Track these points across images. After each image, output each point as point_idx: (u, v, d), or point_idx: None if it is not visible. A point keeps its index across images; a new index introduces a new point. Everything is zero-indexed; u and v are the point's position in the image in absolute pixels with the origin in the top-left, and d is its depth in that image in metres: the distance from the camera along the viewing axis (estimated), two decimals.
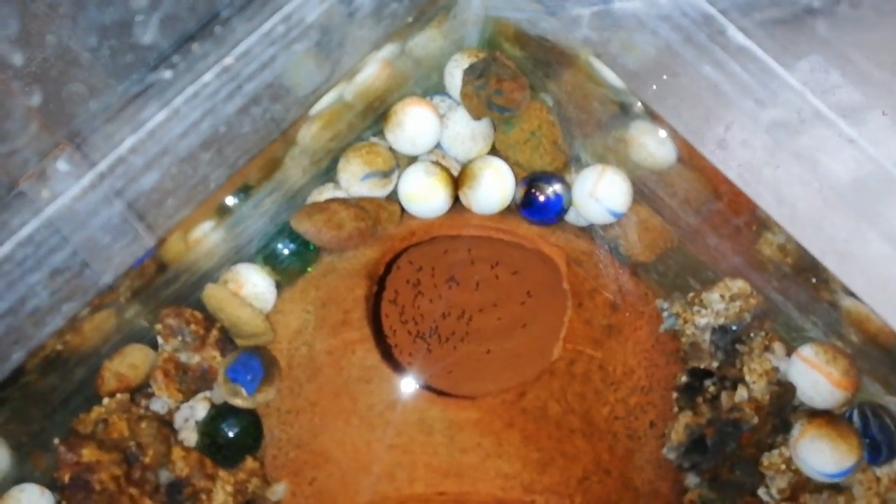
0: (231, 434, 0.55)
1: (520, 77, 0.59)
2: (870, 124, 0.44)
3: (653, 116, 0.54)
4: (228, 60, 0.40)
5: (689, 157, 0.56)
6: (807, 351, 0.57)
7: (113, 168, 0.40)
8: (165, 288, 0.56)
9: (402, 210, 0.62)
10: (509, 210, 0.63)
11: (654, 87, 0.51)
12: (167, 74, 0.37)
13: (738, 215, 0.56)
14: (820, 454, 0.54)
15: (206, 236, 0.55)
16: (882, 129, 0.44)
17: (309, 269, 0.61)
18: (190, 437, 0.56)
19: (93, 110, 0.36)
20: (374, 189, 0.61)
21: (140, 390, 0.57)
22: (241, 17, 0.38)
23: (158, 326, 0.56)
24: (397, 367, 0.64)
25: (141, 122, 0.39)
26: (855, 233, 0.48)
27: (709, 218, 0.58)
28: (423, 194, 0.60)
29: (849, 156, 0.45)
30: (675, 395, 0.57)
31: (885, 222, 0.47)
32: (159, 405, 0.56)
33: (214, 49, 0.38)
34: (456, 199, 0.62)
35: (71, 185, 0.39)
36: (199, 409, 0.57)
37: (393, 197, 0.63)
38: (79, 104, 0.35)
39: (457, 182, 0.62)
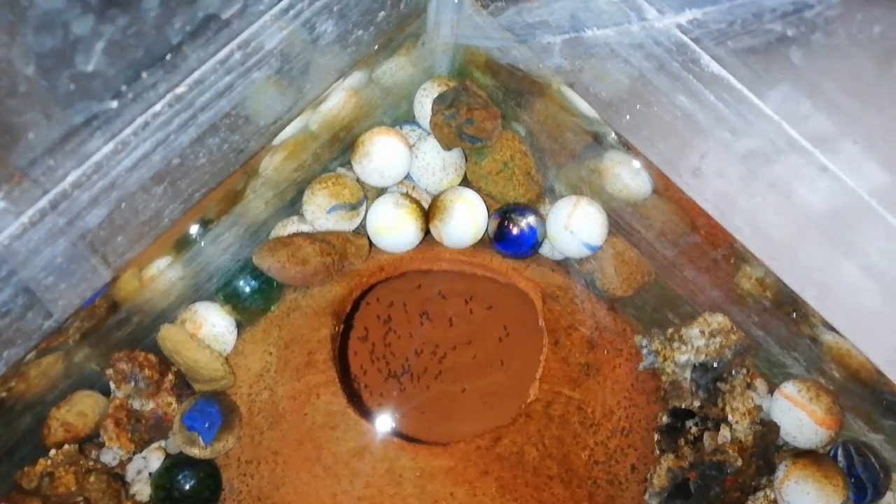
0: (187, 486, 0.52)
1: (491, 106, 0.58)
2: (842, 153, 0.43)
3: (627, 147, 0.53)
4: (181, 89, 0.37)
5: (665, 188, 0.55)
6: (789, 388, 0.55)
7: (55, 204, 0.37)
8: (118, 329, 0.53)
9: (371, 244, 0.60)
10: (482, 243, 0.61)
11: (628, 116, 0.50)
12: (113, 104, 0.34)
13: (716, 248, 0.54)
14: (805, 496, 0.53)
15: (162, 273, 0.52)
16: (854, 158, 0.43)
17: (272, 308, 0.58)
18: (143, 490, 0.53)
19: (32, 142, 0.33)
20: (341, 222, 0.58)
21: (89, 440, 0.53)
22: (194, 43, 0.36)
23: (109, 371, 0.53)
24: (365, 411, 0.61)
25: (86, 154, 0.36)
26: (830, 261, 0.47)
27: (686, 250, 0.57)
28: (393, 227, 0.58)
29: (822, 185, 0.44)
30: (656, 436, 0.55)
31: (859, 251, 0.45)
32: (110, 456, 0.53)
33: (165, 77, 0.36)
34: (427, 233, 0.60)
35: (10, 223, 0.36)
36: (152, 459, 0.53)
37: (361, 230, 0.60)
38: (17, 136, 0.32)
39: (427, 214, 0.60)
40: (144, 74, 0.35)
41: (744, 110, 0.43)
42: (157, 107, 0.37)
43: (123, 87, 0.35)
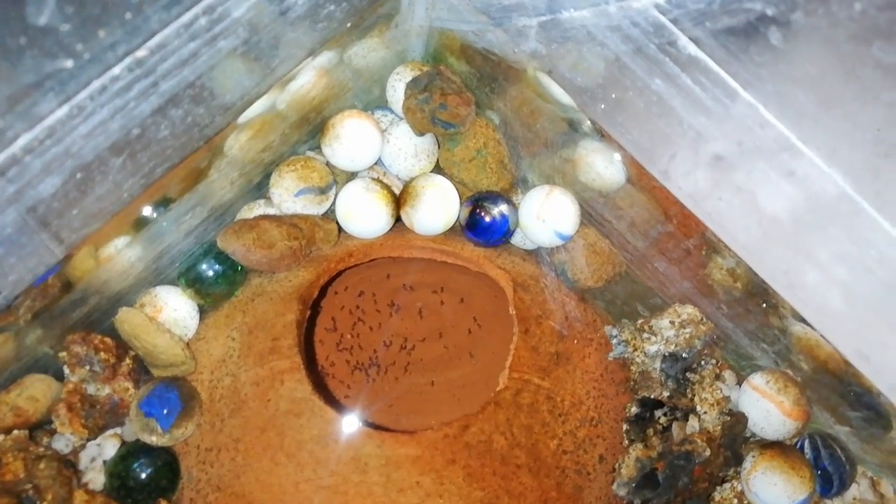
0: (143, 475, 0.50)
1: (465, 92, 0.57)
2: (805, 158, 0.43)
3: (601, 134, 0.53)
4: (141, 53, 0.36)
5: (639, 178, 0.54)
6: (757, 379, 0.55)
7: (4, 170, 0.35)
8: (72, 311, 0.50)
9: (340, 229, 0.58)
10: (453, 231, 0.60)
11: (603, 103, 0.50)
12: (68, 63, 0.32)
13: (688, 237, 0.54)
14: (772, 487, 0.52)
15: (120, 253, 0.50)
16: (817, 164, 0.43)
17: (236, 293, 0.56)
18: (96, 478, 0.50)
19: None
20: (309, 206, 0.57)
21: (40, 426, 0.51)
22: (156, 4, 0.34)
23: (63, 354, 0.51)
24: (330, 399, 0.60)
25: (37, 117, 0.34)
26: (793, 265, 0.47)
27: (658, 241, 0.57)
28: (363, 212, 0.57)
29: (787, 189, 0.44)
30: (625, 426, 0.54)
31: (821, 255, 0.46)
32: (62, 443, 0.51)
33: (125, 38, 0.34)
34: (398, 219, 0.59)
35: None
36: (107, 447, 0.51)
37: (330, 215, 0.59)
38: None
39: (398, 201, 0.58)
40: (102, 33, 0.33)
41: (720, 95, 0.42)
42: (116, 70, 0.35)
43: (79, 46, 0.33)
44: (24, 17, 0.30)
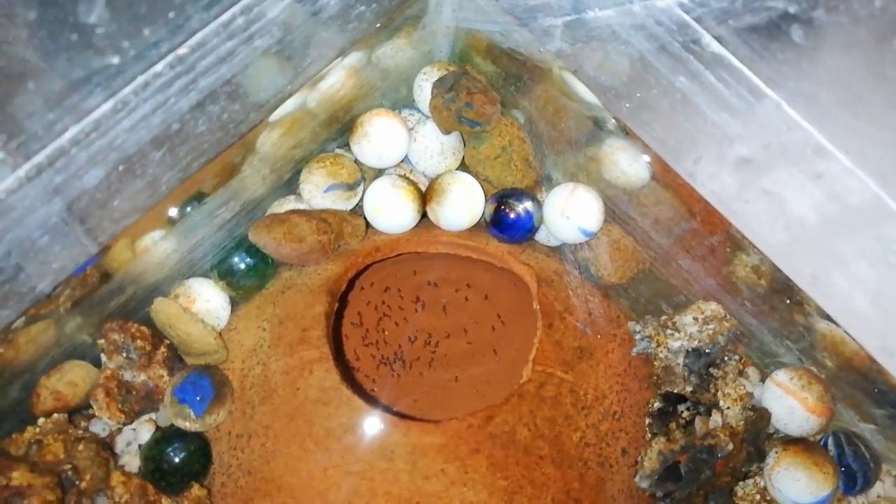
0: (177, 459, 0.52)
1: (491, 91, 0.58)
2: (834, 161, 0.43)
3: (626, 132, 0.53)
4: (183, 50, 0.37)
5: (663, 175, 0.55)
6: (781, 376, 0.55)
7: (53, 160, 0.37)
8: (110, 300, 0.52)
9: (367, 224, 0.60)
10: (478, 227, 0.61)
11: (628, 102, 0.50)
12: (114, 60, 0.34)
13: (712, 234, 0.54)
14: (795, 483, 0.53)
15: (156, 245, 0.52)
16: (846, 166, 0.43)
17: (267, 285, 0.58)
18: (132, 461, 0.52)
19: (32, 93, 0.33)
20: (338, 202, 0.58)
21: (79, 410, 0.53)
22: (197, 4, 0.36)
23: (101, 341, 0.53)
24: (357, 388, 0.61)
25: (85, 111, 0.36)
26: (821, 266, 0.47)
27: (682, 239, 0.57)
28: (390, 208, 0.58)
29: (815, 192, 0.44)
30: (647, 420, 0.55)
31: (850, 256, 0.46)
32: (99, 427, 0.52)
33: (168, 36, 0.36)
34: (423, 215, 0.60)
35: (6, 176, 0.35)
36: (142, 431, 0.53)
37: (357, 211, 0.60)
38: (17, 85, 0.32)
39: (425, 197, 0.60)
40: (147, 31, 0.35)
41: (744, 92, 0.43)
42: (159, 66, 0.37)
43: (125, 43, 0.35)
44: (76, 14, 0.32)
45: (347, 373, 0.68)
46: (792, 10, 0.37)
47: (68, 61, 0.33)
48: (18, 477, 0.47)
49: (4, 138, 0.34)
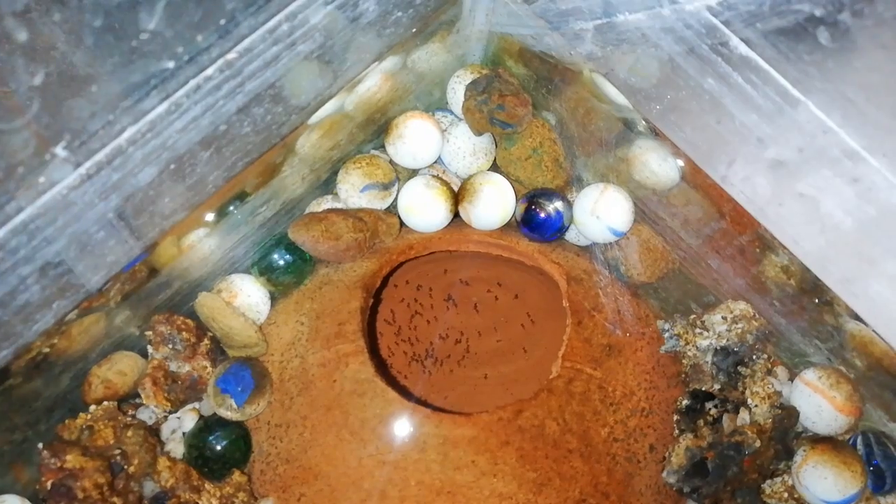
0: (219, 447, 0.54)
1: (522, 93, 0.59)
2: (871, 166, 0.44)
3: (656, 133, 0.54)
4: (232, 55, 0.39)
5: (692, 175, 0.56)
6: (809, 375, 0.56)
7: (111, 159, 0.39)
8: (157, 294, 0.55)
9: (401, 223, 0.61)
10: (509, 226, 0.62)
11: (658, 104, 0.51)
12: (170, 64, 0.36)
13: (742, 234, 0.55)
14: (823, 481, 0.53)
15: (200, 242, 0.54)
16: (883, 172, 0.44)
17: (305, 282, 0.60)
18: (176, 448, 0.55)
19: (94, 95, 0.35)
20: (374, 201, 0.60)
21: (127, 399, 0.56)
22: (247, 11, 0.38)
23: (149, 333, 0.55)
24: (391, 381, 0.62)
25: (141, 112, 0.38)
26: (857, 272, 0.47)
27: (711, 239, 0.58)
28: (423, 207, 0.60)
29: (851, 196, 0.44)
30: (675, 417, 0.56)
31: (886, 262, 0.46)
32: (147, 414, 0.55)
33: (218, 42, 0.38)
34: (456, 215, 0.62)
35: (68, 173, 0.38)
36: (186, 419, 0.55)
37: (392, 210, 0.62)
38: (81, 87, 0.34)
39: (457, 197, 0.61)
40: (199, 37, 0.37)
41: (771, 92, 0.44)
42: (209, 71, 0.39)
43: (180, 49, 0.37)
44: (137, 22, 0.34)
45: (381, 367, 0.69)
46: (818, 13, 0.38)
47: (128, 66, 0.35)
48: (72, 460, 0.50)
49: (68, 138, 0.36)
